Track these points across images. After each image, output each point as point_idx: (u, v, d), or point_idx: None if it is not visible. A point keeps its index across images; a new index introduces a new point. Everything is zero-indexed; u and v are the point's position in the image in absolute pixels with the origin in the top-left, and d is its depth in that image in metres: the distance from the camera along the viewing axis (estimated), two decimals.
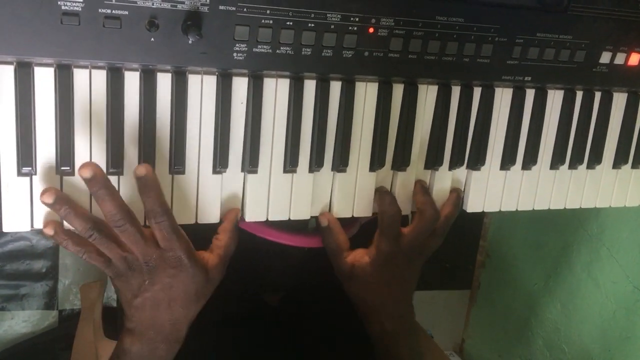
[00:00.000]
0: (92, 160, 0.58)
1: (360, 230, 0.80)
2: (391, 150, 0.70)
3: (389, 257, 0.69)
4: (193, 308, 0.63)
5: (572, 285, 1.31)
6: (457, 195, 0.73)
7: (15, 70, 0.54)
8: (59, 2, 0.52)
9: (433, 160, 0.72)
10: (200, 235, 0.64)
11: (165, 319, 0.62)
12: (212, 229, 0.65)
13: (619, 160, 0.81)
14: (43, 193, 0.56)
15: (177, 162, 0.61)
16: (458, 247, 1.61)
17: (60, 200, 0.56)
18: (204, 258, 0.63)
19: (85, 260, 0.59)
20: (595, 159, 0.80)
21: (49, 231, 0.57)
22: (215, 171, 0.63)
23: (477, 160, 0.74)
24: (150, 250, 0.59)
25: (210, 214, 0.64)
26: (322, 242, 0.72)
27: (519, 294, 1.48)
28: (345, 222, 0.76)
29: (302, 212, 0.68)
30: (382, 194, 0.70)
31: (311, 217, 0.69)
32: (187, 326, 0.64)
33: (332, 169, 0.68)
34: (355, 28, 0.62)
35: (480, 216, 1.57)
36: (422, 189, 0.72)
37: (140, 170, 0.56)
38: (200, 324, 0.73)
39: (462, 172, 0.74)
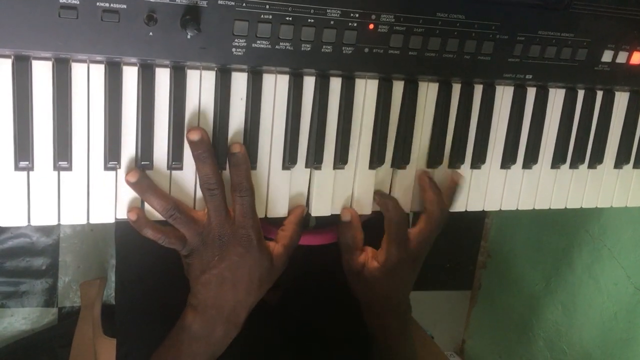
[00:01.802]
0: (89, 155, 0.58)
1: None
2: (391, 147, 0.69)
3: (398, 263, 0.70)
4: (254, 293, 0.65)
5: (573, 286, 1.30)
6: (454, 188, 0.72)
7: (13, 63, 0.54)
8: None
9: (433, 159, 0.71)
10: None
11: (227, 299, 0.64)
12: None
13: (621, 160, 0.81)
14: (128, 172, 0.59)
15: (175, 158, 0.61)
16: (459, 248, 1.60)
17: (143, 180, 0.59)
18: (270, 246, 0.65)
19: (164, 245, 0.62)
20: (597, 159, 0.79)
21: (132, 216, 0.60)
22: None
23: (477, 159, 0.73)
24: (228, 222, 0.62)
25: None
26: (338, 235, 0.72)
27: (520, 294, 1.47)
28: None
29: None
30: (385, 199, 0.69)
31: (310, 215, 0.69)
32: (247, 312, 0.66)
33: (332, 166, 0.68)
34: (355, 24, 0.62)
35: (481, 216, 1.57)
36: (432, 185, 0.70)
37: (235, 147, 0.61)
38: None
39: (462, 170, 0.74)
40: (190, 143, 0.60)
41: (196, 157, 0.60)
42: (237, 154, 0.62)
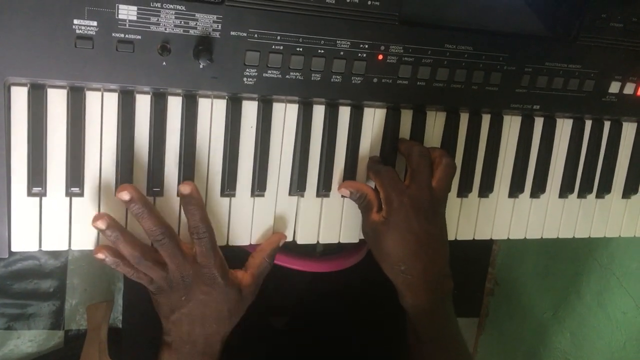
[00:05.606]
0: (101, 182, 0.59)
1: (367, 256, 0.79)
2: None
3: (399, 208, 0.64)
4: (226, 324, 0.65)
5: (581, 314, 1.29)
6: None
7: (28, 91, 0.55)
8: (73, 26, 0.53)
9: None
10: None
11: (199, 334, 0.64)
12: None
13: (629, 189, 0.81)
14: (96, 219, 0.58)
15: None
16: (466, 275, 1.59)
17: (112, 227, 0.59)
18: (238, 277, 0.65)
19: (131, 277, 0.61)
20: (605, 188, 0.79)
21: (101, 256, 0.59)
22: (223, 194, 0.63)
23: (485, 188, 0.74)
24: (187, 265, 0.62)
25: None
26: (357, 204, 0.68)
27: (528, 322, 1.46)
28: (352, 248, 0.76)
29: (309, 236, 0.68)
30: (404, 141, 0.68)
31: (318, 242, 0.69)
32: (221, 342, 0.66)
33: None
34: (364, 55, 0.63)
35: (489, 243, 1.56)
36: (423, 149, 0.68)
37: (185, 188, 0.60)
38: None
39: (470, 199, 0.74)
40: (125, 202, 0.58)
41: (134, 215, 0.59)
42: (189, 196, 0.60)
